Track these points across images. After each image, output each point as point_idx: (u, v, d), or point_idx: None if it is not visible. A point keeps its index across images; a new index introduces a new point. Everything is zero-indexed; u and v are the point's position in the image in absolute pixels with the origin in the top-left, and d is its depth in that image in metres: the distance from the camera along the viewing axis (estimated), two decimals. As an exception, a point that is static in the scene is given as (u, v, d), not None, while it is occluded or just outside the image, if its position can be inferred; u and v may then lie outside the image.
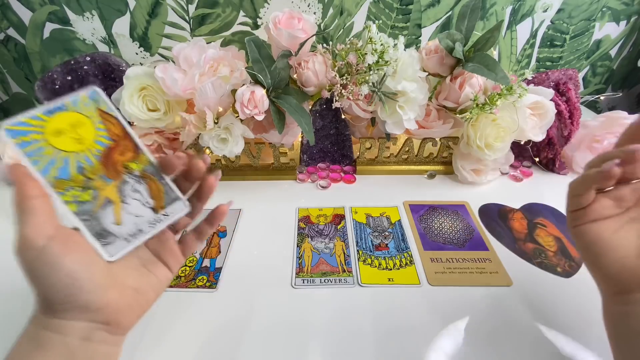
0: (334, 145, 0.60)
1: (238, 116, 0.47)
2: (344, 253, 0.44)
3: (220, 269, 0.42)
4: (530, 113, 0.53)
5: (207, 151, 0.52)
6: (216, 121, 0.48)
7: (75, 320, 0.26)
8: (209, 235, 0.33)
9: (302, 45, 0.51)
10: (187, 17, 0.72)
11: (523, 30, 0.77)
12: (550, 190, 0.56)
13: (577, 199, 0.32)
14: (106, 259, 0.28)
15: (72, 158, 0.28)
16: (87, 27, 0.72)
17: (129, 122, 0.29)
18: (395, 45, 0.47)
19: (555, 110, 0.53)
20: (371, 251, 0.45)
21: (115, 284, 0.28)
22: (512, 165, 0.61)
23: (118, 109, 0.30)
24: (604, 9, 0.76)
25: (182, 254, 0.33)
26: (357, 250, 0.45)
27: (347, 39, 0.50)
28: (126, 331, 0.29)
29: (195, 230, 0.34)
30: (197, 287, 0.40)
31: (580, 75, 0.86)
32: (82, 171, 0.28)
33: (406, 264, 0.43)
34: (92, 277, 0.27)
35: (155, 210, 0.31)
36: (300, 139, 0.59)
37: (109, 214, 0.29)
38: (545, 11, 0.75)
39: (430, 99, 0.55)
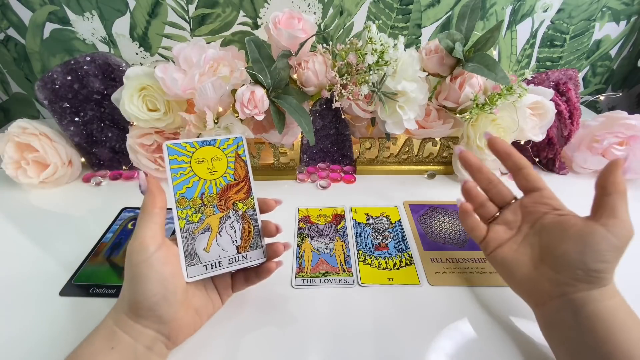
0: (334, 145, 0.60)
1: (238, 116, 0.47)
2: (344, 253, 0.44)
3: (220, 269, 0.43)
4: (530, 113, 0.53)
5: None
6: (216, 121, 0.48)
7: (148, 328, 0.29)
8: (254, 284, 0.36)
9: (302, 45, 0.51)
10: (187, 17, 0.72)
11: (523, 30, 0.78)
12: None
13: (473, 234, 0.37)
14: (185, 279, 0.31)
15: (201, 184, 0.33)
16: (87, 27, 0.72)
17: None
18: (395, 45, 0.47)
19: (555, 110, 0.53)
20: (371, 251, 0.45)
21: (186, 302, 0.31)
22: (512, 165, 0.61)
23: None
24: (604, 9, 0.76)
25: (232, 289, 0.36)
26: (357, 250, 0.45)
27: (347, 39, 0.50)
28: (175, 347, 0.31)
29: (245, 273, 0.36)
30: (197, 287, 0.40)
31: (580, 75, 0.86)
32: (202, 197, 0.33)
33: (406, 264, 0.43)
34: (176, 292, 0.29)
35: (239, 250, 0.34)
36: (300, 139, 0.59)
37: (204, 240, 0.33)
38: (545, 11, 0.75)
39: (430, 99, 0.55)
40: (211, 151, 0.34)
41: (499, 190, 0.37)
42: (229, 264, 0.34)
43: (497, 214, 0.37)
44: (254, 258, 0.35)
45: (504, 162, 0.37)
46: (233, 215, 0.34)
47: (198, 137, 0.37)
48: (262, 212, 0.36)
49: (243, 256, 0.34)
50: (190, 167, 0.33)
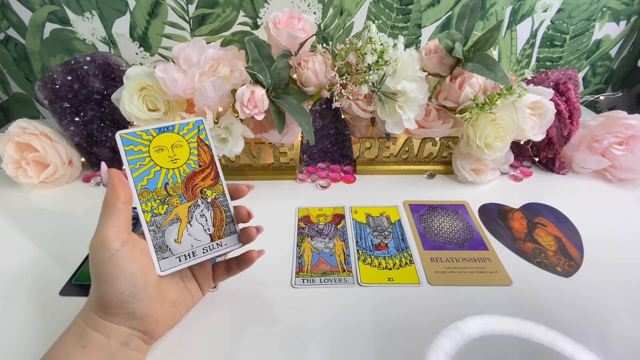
0: (334, 145, 0.60)
1: (238, 116, 0.47)
2: (344, 253, 0.44)
3: (220, 268, 0.43)
4: (530, 113, 0.53)
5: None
6: (216, 121, 0.48)
7: (120, 325, 0.28)
8: (236, 274, 0.36)
9: (302, 45, 0.51)
10: (187, 17, 0.72)
11: (523, 30, 0.78)
12: (550, 190, 0.56)
13: None
14: (157, 273, 0.30)
15: (163, 173, 0.31)
16: (87, 27, 0.72)
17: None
18: (395, 45, 0.47)
19: (555, 110, 0.53)
20: (371, 251, 0.45)
21: (160, 297, 0.30)
22: (511, 165, 0.61)
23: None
24: (604, 9, 0.76)
25: (213, 280, 0.36)
26: (357, 250, 0.45)
27: (347, 39, 0.50)
28: (154, 341, 0.31)
29: (226, 264, 0.36)
30: (197, 286, 0.40)
31: (580, 75, 0.86)
32: (166, 187, 0.31)
33: (406, 263, 0.43)
34: (147, 287, 0.29)
35: (212, 238, 0.33)
36: (300, 139, 0.59)
37: (173, 231, 0.32)
38: (545, 11, 0.75)
39: (430, 98, 0.55)
40: (170, 138, 0.32)
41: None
42: (203, 253, 0.32)
43: None
44: (229, 245, 0.34)
45: None
46: (202, 203, 0.33)
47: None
48: (233, 198, 0.34)
49: (217, 244, 0.33)
50: (149, 156, 0.31)
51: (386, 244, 0.46)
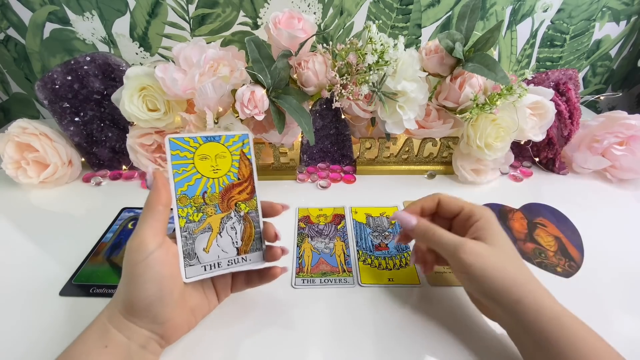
0: (334, 145, 0.60)
1: (238, 116, 0.47)
2: (344, 253, 0.44)
3: (220, 269, 0.43)
4: (530, 113, 0.53)
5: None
6: (216, 121, 0.48)
7: (142, 327, 0.28)
8: (255, 287, 0.36)
9: (302, 45, 0.51)
10: (187, 17, 0.72)
11: (523, 30, 0.77)
12: (550, 190, 0.56)
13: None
14: (182, 279, 0.30)
15: (203, 182, 0.32)
16: (87, 27, 0.72)
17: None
18: (395, 45, 0.47)
19: (555, 110, 0.53)
20: (371, 251, 0.45)
21: (182, 303, 0.30)
22: (512, 165, 0.61)
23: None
24: (604, 9, 0.76)
25: (231, 289, 0.36)
26: (357, 250, 0.45)
27: (347, 39, 0.50)
28: (168, 345, 0.31)
29: (247, 276, 0.36)
30: (197, 287, 0.40)
31: (580, 75, 0.86)
32: (204, 195, 0.32)
33: (406, 263, 0.43)
34: (173, 293, 0.29)
35: (239, 251, 0.33)
36: (300, 139, 0.59)
37: (204, 240, 0.32)
38: (545, 11, 0.75)
39: (430, 99, 0.55)
40: (215, 148, 0.32)
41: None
42: (227, 265, 0.33)
43: None
44: (253, 260, 0.34)
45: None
46: (235, 216, 0.33)
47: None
48: (266, 215, 0.35)
49: (243, 258, 0.33)
50: (193, 163, 0.31)
51: (386, 244, 0.46)
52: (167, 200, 0.29)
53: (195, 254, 0.31)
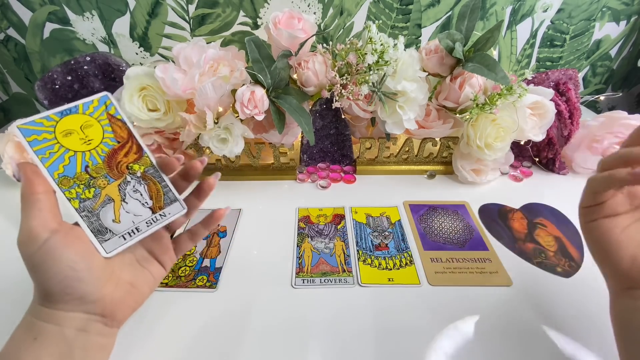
0: (334, 145, 0.60)
1: (238, 116, 0.47)
2: (344, 253, 0.44)
3: (220, 268, 0.42)
4: (530, 113, 0.53)
5: (207, 151, 0.52)
6: (216, 121, 0.48)
7: (72, 311, 0.27)
8: (203, 237, 0.35)
9: (302, 45, 0.51)
10: (187, 17, 0.72)
11: (523, 30, 0.77)
12: (550, 190, 0.56)
13: (595, 196, 0.31)
14: (103, 255, 0.29)
15: (79, 157, 0.30)
16: (87, 27, 0.72)
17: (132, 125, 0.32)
18: (395, 45, 0.47)
19: (555, 110, 0.53)
20: (371, 251, 0.45)
21: (112, 278, 0.29)
22: (512, 165, 0.61)
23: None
24: (604, 9, 0.76)
25: (175, 253, 0.34)
26: (357, 250, 0.45)
27: (347, 39, 0.50)
28: (120, 324, 0.30)
29: (190, 231, 0.35)
30: (197, 287, 0.40)
31: (580, 75, 0.86)
32: (87, 170, 0.30)
33: (406, 264, 0.43)
34: (91, 270, 0.28)
35: (153, 210, 0.32)
36: (300, 139, 0.59)
37: (109, 212, 0.30)
38: (545, 11, 0.75)
39: (430, 99, 0.55)
40: (77, 119, 0.30)
41: None
42: (147, 226, 0.32)
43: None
44: (172, 213, 0.33)
45: None
46: (132, 179, 0.32)
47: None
48: (167, 173, 0.33)
49: (160, 214, 0.32)
50: (57, 142, 0.29)
51: (386, 244, 0.46)
52: (43, 187, 0.28)
53: (107, 227, 0.30)
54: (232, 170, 0.58)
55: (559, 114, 0.56)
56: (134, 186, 0.32)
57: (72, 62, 0.52)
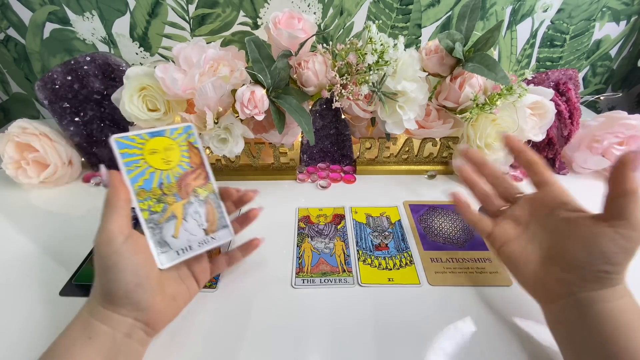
0: (334, 145, 0.60)
1: (238, 116, 0.47)
2: (344, 253, 0.44)
3: (220, 269, 0.43)
4: (530, 113, 0.53)
5: (207, 151, 0.52)
6: (216, 121, 0.48)
7: (125, 316, 0.29)
8: (239, 261, 0.39)
9: (302, 45, 0.51)
10: (187, 17, 0.72)
11: (523, 30, 0.78)
12: (550, 190, 0.56)
13: (477, 228, 0.37)
14: (158, 266, 0.32)
15: (157, 174, 0.34)
16: (87, 27, 0.72)
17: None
18: (395, 45, 0.47)
19: (555, 110, 0.53)
20: (371, 251, 0.45)
21: (161, 289, 0.31)
22: (512, 165, 0.60)
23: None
24: (604, 9, 0.76)
25: (210, 272, 0.37)
26: (357, 250, 0.45)
27: (347, 39, 0.50)
28: (156, 333, 0.32)
29: (228, 255, 0.39)
30: (197, 287, 0.41)
31: (580, 75, 0.86)
32: (161, 187, 0.34)
33: (406, 264, 0.43)
34: (150, 279, 0.30)
35: (206, 232, 0.36)
36: (300, 139, 0.59)
37: (171, 228, 0.34)
38: (545, 11, 0.75)
39: (430, 99, 0.55)
40: (162, 142, 0.34)
41: (505, 185, 0.37)
42: (199, 246, 0.35)
43: (504, 208, 0.37)
44: (222, 237, 0.36)
45: (517, 158, 0.37)
46: (195, 201, 0.35)
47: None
48: (224, 200, 0.38)
49: (212, 237, 0.36)
50: (144, 158, 0.33)
51: (386, 244, 0.46)
52: (126, 195, 0.31)
53: (166, 241, 0.33)
54: (232, 170, 0.58)
55: (559, 114, 0.56)
56: (195, 208, 0.35)
57: (72, 62, 0.52)
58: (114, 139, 0.32)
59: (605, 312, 0.28)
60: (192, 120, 0.48)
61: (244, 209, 0.40)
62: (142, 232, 0.32)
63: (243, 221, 0.39)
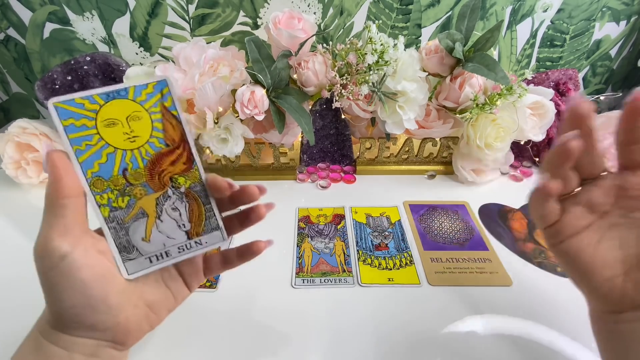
0: (334, 145, 0.60)
1: (238, 116, 0.47)
2: (344, 253, 0.44)
3: (220, 269, 0.42)
4: (530, 113, 0.53)
5: (207, 151, 0.52)
6: (216, 121, 0.48)
7: (83, 337, 0.24)
8: (236, 266, 0.31)
9: (302, 45, 0.51)
10: (187, 17, 0.72)
11: (523, 30, 0.77)
12: (550, 190, 0.56)
13: (543, 217, 0.27)
14: (124, 276, 0.25)
15: (119, 156, 0.24)
16: (87, 27, 0.72)
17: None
18: (395, 45, 0.47)
19: (555, 110, 0.53)
20: (371, 251, 0.45)
21: (130, 301, 0.26)
22: (512, 165, 0.61)
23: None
24: (604, 9, 0.76)
25: (204, 274, 0.31)
26: (357, 250, 0.45)
27: (347, 39, 0.50)
28: (130, 346, 0.28)
29: (224, 255, 0.31)
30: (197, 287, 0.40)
31: (580, 75, 0.86)
32: (124, 173, 0.25)
33: (406, 264, 0.43)
34: (107, 298, 0.24)
35: (189, 235, 0.27)
36: (300, 139, 0.59)
37: (140, 228, 0.26)
38: (545, 11, 0.75)
39: (430, 99, 0.55)
40: (124, 106, 0.24)
41: (591, 157, 0.26)
42: (179, 252, 0.27)
43: (578, 189, 0.27)
44: (210, 242, 0.28)
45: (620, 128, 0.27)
46: (173, 193, 0.26)
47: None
48: (214, 195, 0.28)
49: (196, 242, 0.28)
50: (97, 133, 0.23)
51: (386, 244, 0.46)
52: (72, 189, 0.23)
53: (134, 245, 0.26)
54: (232, 170, 0.58)
55: (559, 114, 0.56)
56: (174, 203, 0.27)
57: (72, 62, 0.52)
58: (53, 105, 0.22)
59: None
60: (192, 120, 0.48)
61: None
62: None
63: (244, 220, 0.30)
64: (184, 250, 0.27)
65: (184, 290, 0.29)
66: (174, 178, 0.26)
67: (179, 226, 0.27)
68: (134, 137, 0.24)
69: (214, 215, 0.28)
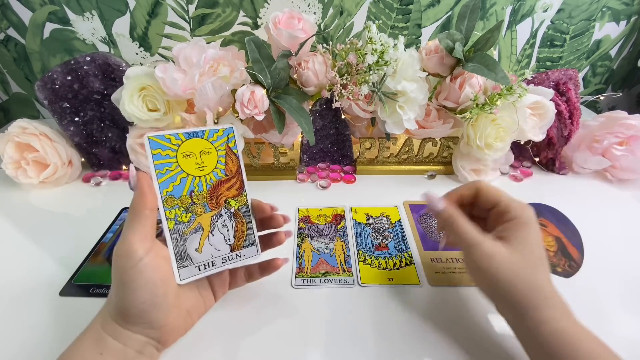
0: (334, 145, 0.60)
1: (238, 116, 0.47)
2: (344, 253, 0.44)
3: (220, 269, 0.43)
4: (530, 113, 0.53)
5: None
6: (216, 121, 0.48)
7: (138, 334, 0.28)
8: (257, 279, 0.36)
9: (302, 45, 0.51)
10: (187, 17, 0.72)
11: (523, 30, 0.77)
12: (550, 190, 0.56)
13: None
14: (177, 281, 0.30)
15: (189, 181, 0.31)
16: (87, 27, 0.72)
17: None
18: (395, 45, 0.47)
19: (555, 110, 0.53)
20: (371, 251, 0.45)
21: (176, 305, 0.30)
22: (512, 165, 0.61)
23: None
24: (604, 9, 0.76)
25: (229, 287, 0.36)
26: (357, 250, 0.45)
27: (347, 39, 0.50)
28: (165, 348, 0.31)
29: (248, 270, 0.36)
30: (197, 287, 0.41)
31: (580, 75, 0.86)
32: (191, 195, 0.31)
33: (406, 264, 0.43)
34: (167, 296, 0.29)
35: (232, 248, 0.33)
36: (300, 139, 0.59)
37: (195, 240, 0.31)
38: (545, 11, 0.75)
39: (430, 99, 0.55)
40: (199, 144, 0.31)
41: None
42: (222, 263, 0.33)
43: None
44: (247, 256, 0.34)
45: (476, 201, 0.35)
46: (225, 213, 0.33)
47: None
48: (258, 213, 0.35)
49: (237, 254, 0.33)
50: (177, 162, 0.30)
51: (386, 244, 0.46)
52: (152, 203, 0.28)
53: (188, 254, 0.31)
54: (232, 170, 0.58)
55: (559, 114, 0.56)
56: (224, 221, 0.33)
57: (72, 62, 0.52)
58: (148, 138, 0.29)
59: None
60: (192, 120, 0.48)
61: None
62: (164, 240, 0.31)
63: (267, 243, 0.36)
64: (226, 261, 0.33)
65: (211, 300, 0.34)
66: (227, 200, 0.33)
67: (226, 240, 0.33)
68: (203, 166, 0.31)
69: (253, 232, 0.34)
